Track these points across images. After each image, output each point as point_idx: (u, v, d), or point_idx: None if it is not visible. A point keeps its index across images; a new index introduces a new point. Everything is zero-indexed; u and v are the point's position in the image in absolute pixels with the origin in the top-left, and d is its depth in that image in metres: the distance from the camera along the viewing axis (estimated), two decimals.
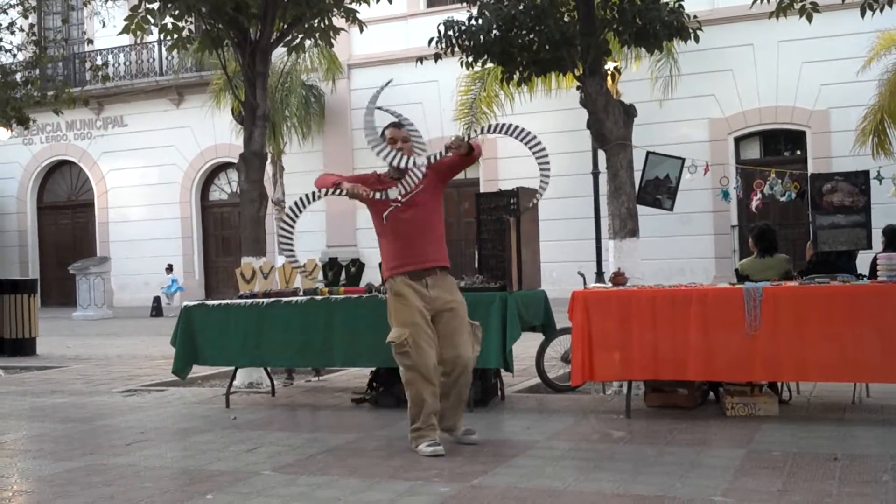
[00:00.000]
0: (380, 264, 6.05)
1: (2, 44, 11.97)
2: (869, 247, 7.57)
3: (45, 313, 18.80)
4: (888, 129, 15.20)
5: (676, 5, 8.32)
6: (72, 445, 6.10)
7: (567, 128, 18.61)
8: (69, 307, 22.76)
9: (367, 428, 6.40)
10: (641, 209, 8.12)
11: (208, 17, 9.18)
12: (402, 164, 5.44)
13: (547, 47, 8.34)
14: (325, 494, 4.59)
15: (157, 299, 22.07)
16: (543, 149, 5.60)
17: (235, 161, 9.67)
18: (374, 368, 7.51)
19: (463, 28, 8.44)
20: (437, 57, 8.84)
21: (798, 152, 18.98)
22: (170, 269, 22.75)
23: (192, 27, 9.85)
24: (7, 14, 12.23)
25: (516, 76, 8.74)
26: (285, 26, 9.54)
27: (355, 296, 7.18)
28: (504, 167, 19.93)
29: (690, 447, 5.42)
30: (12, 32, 12.01)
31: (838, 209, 7.51)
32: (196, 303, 7.88)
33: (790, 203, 8.96)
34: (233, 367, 7.92)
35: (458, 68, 9.35)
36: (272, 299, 7.40)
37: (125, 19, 9.41)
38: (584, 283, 7.93)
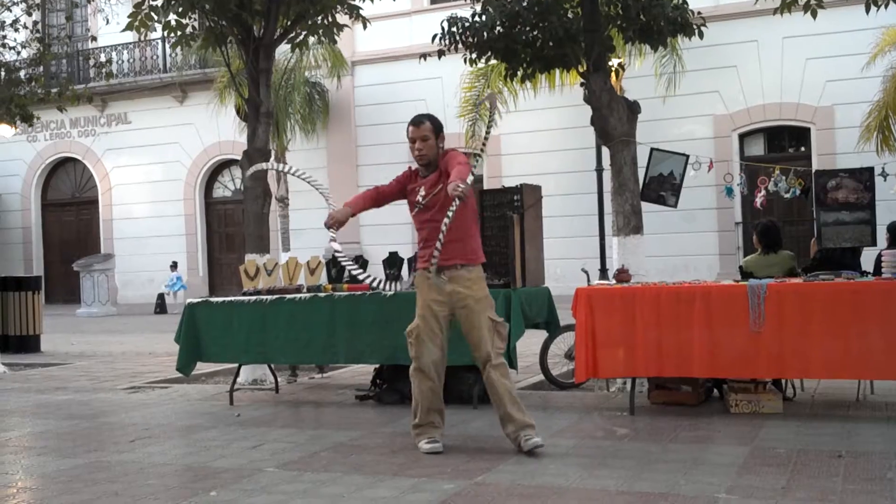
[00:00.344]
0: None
1: (6, 41, 11.97)
2: (873, 243, 7.56)
3: (50, 310, 18.84)
4: (893, 126, 15.14)
5: (681, 1, 8.31)
6: (76, 442, 6.11)
7: (571, 124, 18.60)
8: (73, 304, 22.79)
9: (371, 425, 6.40)
10: (645, 206, 8.12)
11: (212, 14, 9.18)
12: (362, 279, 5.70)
13: (551, 44, 8.33)
14: (328, 491, 4.59)
15: (160, 296, 22.10)
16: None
17: (239, 158, 9.67)
18: (377, 365, 7.52)
19: (466, 24, 8.43)
20: (440, 53, 8.84)
21: (802, 149, 18.94)
22: (174, 266, 22.76)
23: (196, 24, 9.85)
24: (11, 11, 12.23)
25: (520, 73, 8.73)
26: (289, 23, 9.53)
27: (358, 293, 7.17)
28: (507, 164, 19.92)
29: (694, 444, 5.42)
30: (16, 30, 12.00)
31: (843, 206, 7.49)
32: (200, 300, 7.88)
33: (794, 200, 8.95)
34: (237, 364, 7.93)
35: (462, 65, 9.34)
36: (276, 296, 7.40)
37: (129, 16, 9.41)
38: (588, 280, 7.93)
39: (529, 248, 7.15)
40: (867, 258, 7.70)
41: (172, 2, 9.05)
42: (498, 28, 8.31)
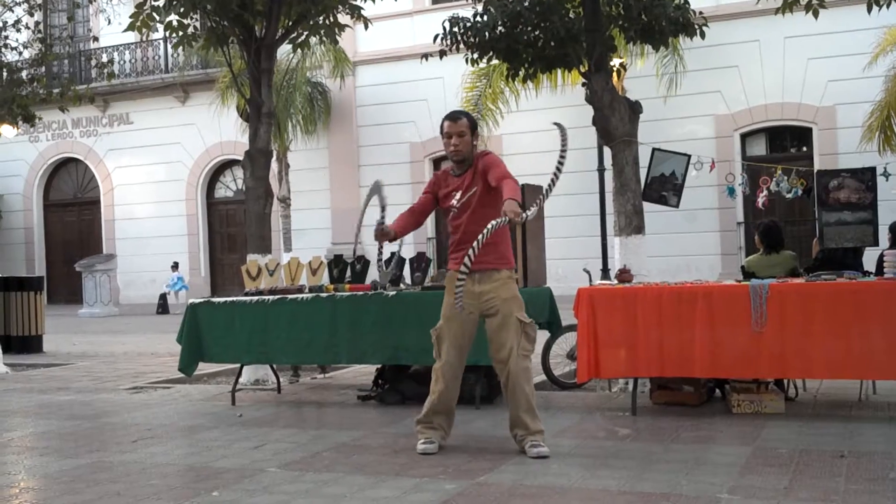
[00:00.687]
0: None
1: (7, 42, 11.98)
2: (875, 243, 7.56)
3: (52, 311, 18.85)
4: (895, 126, 15.14)
5: (682, 1, 8.30)
6: (78, 442, 6.12)
7: (572, 124, 18.36)
8: (75, 304, 22.81)
9: (373, 425, 6.40)
10: (647, 206, 8.11)
11: (213, 15, 9.18)
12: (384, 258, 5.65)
13: (552, 44, 8.33)
14: (330, 491, 4.59)
15: (163, 296, 22.12)
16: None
17: (241, 158, 9.68)
18: (379, 365, 7.52)
19: (468, 24, 8.44)
20: (442, 53, 8.84)
21: (804, 149, 18.93)
22: (175, 266, 22.78)
23: (198, 24, 9.85)
24: (13, 12, 12.24)
25: (521, 73, 8.73)
26: (290, 23, 9.54)
27: (360, 293, 7.17)
28: (509, 164, 19.84)
29: (696, 444, 5.42)
30: (18, 30, 12.02)
31: (845, 206, 7.49)
32: (202, 300, 7.89)
33: (796, 200, 8.95)
34: (238, 365, 7.93)
35: (464, 65, 9.35)
36: (278, 296, 7.41)
37: (130, 16, 9.41)
38: (590, 280, 7.92)
39: (531, 248, 7.15)
40: (869, 258, 7.70)
41: (174, 2, 9.05)
42: (499, 28, 8.31)
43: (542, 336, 7.86)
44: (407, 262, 7.81)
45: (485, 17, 8.35)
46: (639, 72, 17.71)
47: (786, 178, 8.60)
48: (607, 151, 8.69)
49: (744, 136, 19.17)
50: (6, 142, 19.70)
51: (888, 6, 7.91)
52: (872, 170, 7.69)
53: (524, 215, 4.93)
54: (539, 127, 19.66)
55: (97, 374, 10.06)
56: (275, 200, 10.90)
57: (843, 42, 17.21)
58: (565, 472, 4.82)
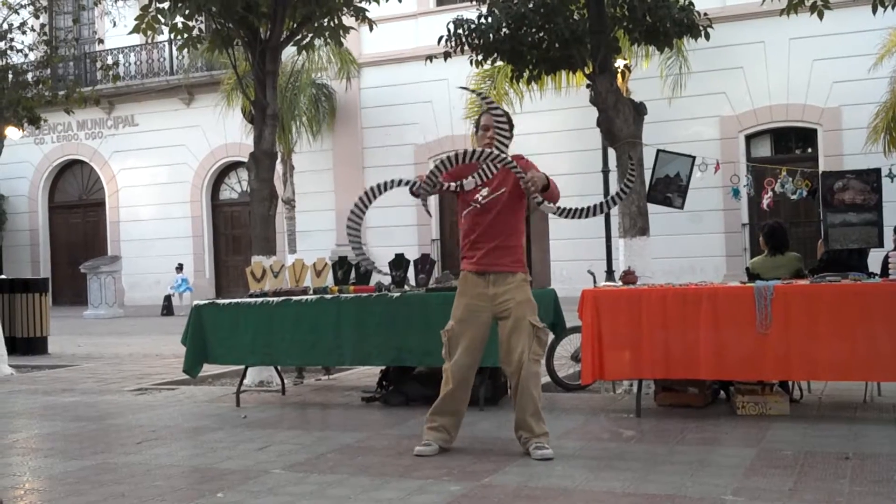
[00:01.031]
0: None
1: (13, 44, 12.00)
2: (881, 245, 7.55)
3: (57, 312, 18.87)
4: None
5: (687, 3, 8.31)
6: (83, 444, 6.12)
7: (577, 126, 18.59)
8: (80, 306, 22.85)
9: (377, 426, 6.40)
10: (652, 207, 8.11)
11: (218, 17, 9.20)
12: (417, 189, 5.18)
13: (556, 45, 8.33)
14: (335, 493, 4.59)
15: (167, 298, 22.13)
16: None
17: (246, 160, 9.69)
18: (383, 367, 7.52)
19: (472, 26, 8.44)
20: (446, 55, 8.84)
21: (809, 150, 18.90)
22: (180, 268, 22.81)
23: (203, 26, 9.86)
24: (18, 14, 12.26)
25: (526, 74, 8.74)
26: (295, 25, 9.55)
27: (365, 295, 7.18)
28: None
29: (701, 446, 5.41)
30: (24, 32, 12.03)
31: (850, 207, 7.49)
32: (207, 301, 7.90)
33: (801, 201, 8.95)
34: (243, 366, 7.93)
35: (468, 66, 9.36)
36: (282, 298, 7.41)
37: (135, 19, 9.43)
38: (594, 282, 7.92)
39: (535, 249, 7.15)
40: (874, 259, 7.69)
41: (179, 4, 9.07)
42: (504, 30, 8.31)
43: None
44: (411, 263, 7.82)
45: (489, 19, 8.36)
46: (643, 73, 17.69)
47: (791, 179, 8.59)
48: (611, 153, 8.68)
49: (748, 138, 19.14)
50: (11, 144, 19.70)
51: (893, 7, 7.90)
52: (877, 171, 7.69)
53: (539, 198, 5.02)
54: (543, 129, 19.69)
55: (102, 376, 10.08)
56: (279, 202, 10.90)
57: (849, 43, 17.17)
58: (570, 473, 4.82)
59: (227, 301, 7.76)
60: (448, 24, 8.66)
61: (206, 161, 24.08)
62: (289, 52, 11.24)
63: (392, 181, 5.31)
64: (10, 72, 11.77)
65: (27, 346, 12.81)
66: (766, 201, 8.87)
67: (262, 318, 7.38)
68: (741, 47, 18.27)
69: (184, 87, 23.70)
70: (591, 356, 6.35)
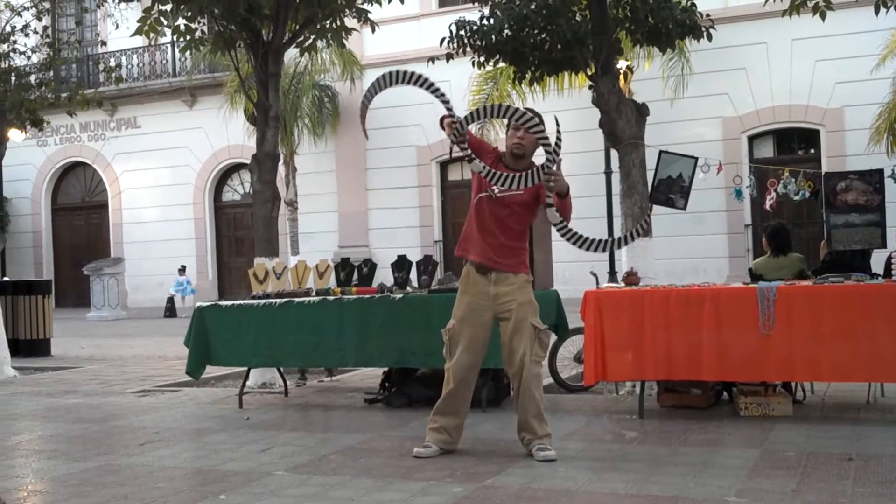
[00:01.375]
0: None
1: (16, 46, 12.02)
2: (883, 246, 7.53)
3: (60, 314, 18.91)
4: None
5: (689, 4, 8.31)
6: (86, 446, 6.13)
7: (579, 127, 18.55)
8: (83, 308, 22.88)
9: (380, 428, 6.40)
10: (654, 208, 8.10)
11: (221, 19, 9.21)
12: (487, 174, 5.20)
13: (559, 47, 8.33)
14: (338, 494, 4.59)
15: (170, 300, 22.17)
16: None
17: (248, 162, 9.70)
18: (386, 369, 7.52)
19: (475, 28, 8.45)
20: (448, 57, 8.85)
21: (812, 151, 18.89)
22: (183, 270, 22.83)
23: (205, 28, 9.88)
24: (21, 16, 12.29)
25: (528, 76, 8.74)
26: (297, 27, 9.56)
27: (367, 296, 7.18)
28: None
29: (704, 447, 5.41)
30: (26, 35, 12.06)
31: (852, 208, 7.47)
32: (209, 303, 7.90)
33: (804, 202, 8.92)
34: (246, 368, 7.94)
35: (470, 68, 9.36)
36: (285, 300, 7.42)
37: (138, 21, 9.45)
38: (597, 283, 7.91)
39: (538, 251, 7.13)
40: (877, 260, 7.67)
41: (182, 6, 9.08)
42: (506, 31, 8.32)
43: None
44: (414, 265, 7.82)
45: (491, 21, 8.36)
46: (646, 74, 17.69)
47: (793, 180, 8.57)
48: (614, 154, 8.68)
49: (751, 139, 19.13)
50: (15, 146, 19.77)
51: None
52: (880, 172, 7.67)
53: (551, 200, 5.16)
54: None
55: (105, 378, 10.09)
56: (282, 204, 10.91)
57: (851, 44, 17.16)
58: (572, 475, 4.82)
59: (229, 303, 7.77)
60: (450, 25, 8.67)
61: (208, 163, 24.10)
62: (291, 53, 11.25)
63: (425, 81, 5.55)
64: (13, 74, 11.79)
65: (30, 348, 12.82)
66: (768, 202, 8.85)
67: (264, 319, 7.39)
68: (743, 48, 18.26)
69: (186, 89, 23.75)
70: (594, 357, 6.35)
